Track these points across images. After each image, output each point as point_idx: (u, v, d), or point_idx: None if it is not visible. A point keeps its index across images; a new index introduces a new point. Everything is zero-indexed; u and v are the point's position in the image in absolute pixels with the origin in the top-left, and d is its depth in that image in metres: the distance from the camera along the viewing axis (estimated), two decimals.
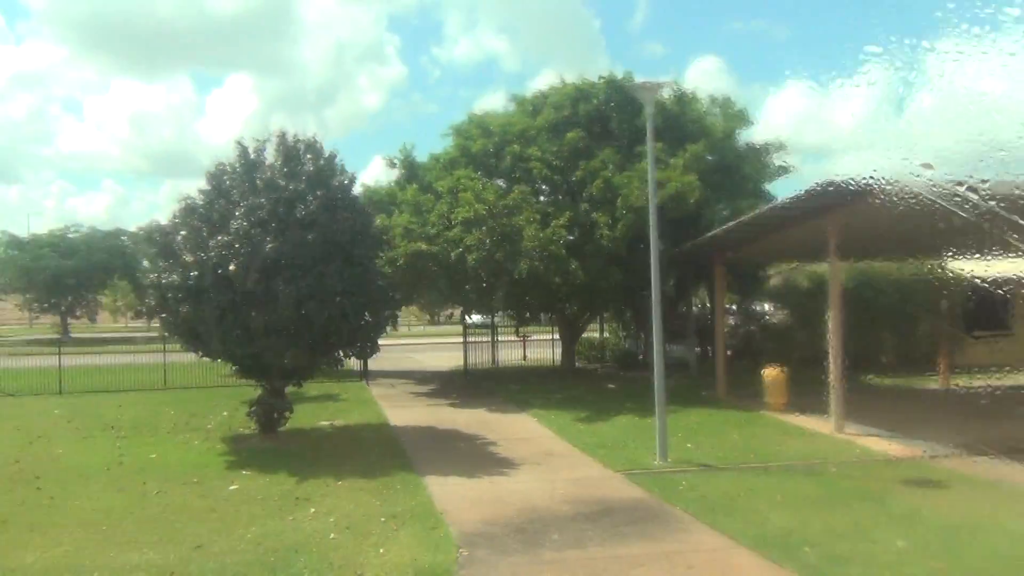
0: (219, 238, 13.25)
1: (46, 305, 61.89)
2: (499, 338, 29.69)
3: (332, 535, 9.34)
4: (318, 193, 13.83)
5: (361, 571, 8.11)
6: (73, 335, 59.06)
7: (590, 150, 21.24)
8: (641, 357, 28.50)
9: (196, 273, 13.12)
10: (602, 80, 22.56)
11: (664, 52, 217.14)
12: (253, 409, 15.12)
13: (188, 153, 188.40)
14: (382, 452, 14.19)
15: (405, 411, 18.87)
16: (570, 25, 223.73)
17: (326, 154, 14.91)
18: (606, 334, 31.94)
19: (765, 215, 16.57)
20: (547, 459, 13.66)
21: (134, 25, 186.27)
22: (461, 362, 28.71)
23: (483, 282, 20.46)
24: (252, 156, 14.58)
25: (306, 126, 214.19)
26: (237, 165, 14.50)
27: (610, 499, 10.96)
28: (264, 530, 9.56)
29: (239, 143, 14.57)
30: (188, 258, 12.95)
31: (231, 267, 12.85)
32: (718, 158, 21.52)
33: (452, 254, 19.12)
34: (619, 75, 22.21)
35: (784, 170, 23.09)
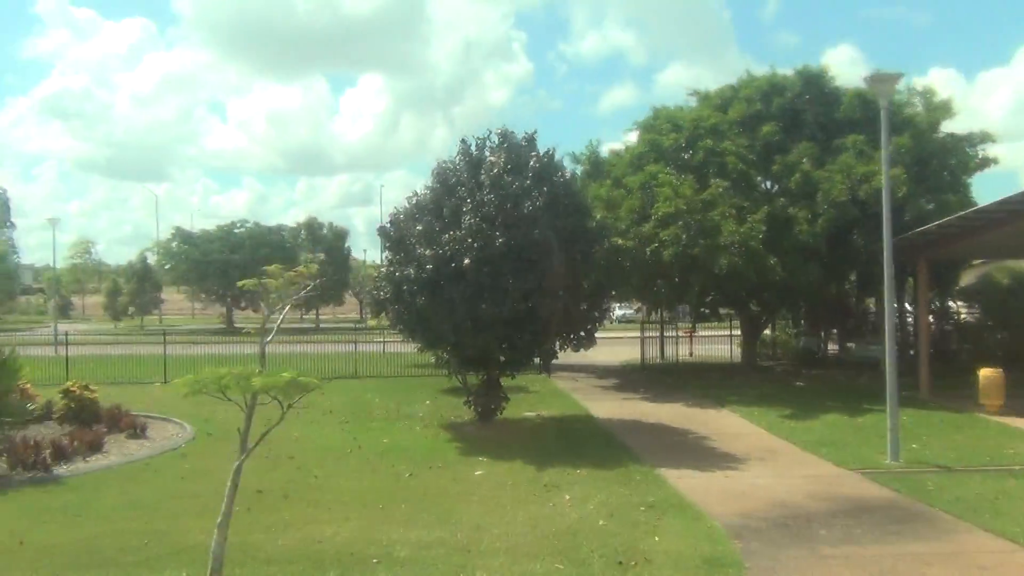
0: (452, 233, 13.78)
1: (213, 296, 65.57)
2: (666, 334, 29.65)
3: (601, 522, 9.61)
4: (544, 189, 14.19)
5: (648, 557, 8.32)
6: (236, 325, 62.52)
7: (783, 144, 20.89)
8: (818, 355, 27.90)
9: (431, 267, 13.69)
10: (795, 73, 22.15)
11: (797, 42, 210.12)
12: (470, 399, 15.68)
13: (323, 151, 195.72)
14: (601, 443, 14.46)
15: (601, 404, 19.10)
16: (700, 17, 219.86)
17: (541, 151, 15.28)
18: (775, 332, 31.35)
19: (990, 210, 15.90)
20: (771, 456, 13.59)
21: (274, 29, 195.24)
22: (626, 357, 28.87)
23: (675, 277, 20.45)
24: (475, 153, 15.09)
25: (435, 123, 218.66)
26: (461, 162, 15.04)
27: (859, 497, 10.82)
28: (531, 514, 9.93)
29: (463, 141, 15.11)
30: (426, 252, 13.51)
31: (466, 261, 13.34)
32: (918, 150, 20.73)
33: (648, 249, 19.19)
34: (813, 68, 21.81)
35: (987, 162, 22.01)
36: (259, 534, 9.05)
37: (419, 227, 14.22)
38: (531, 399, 19.80)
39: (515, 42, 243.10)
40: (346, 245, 69.03)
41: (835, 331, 29.08)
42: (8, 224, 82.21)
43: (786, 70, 22.36)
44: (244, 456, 7.20)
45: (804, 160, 20.05)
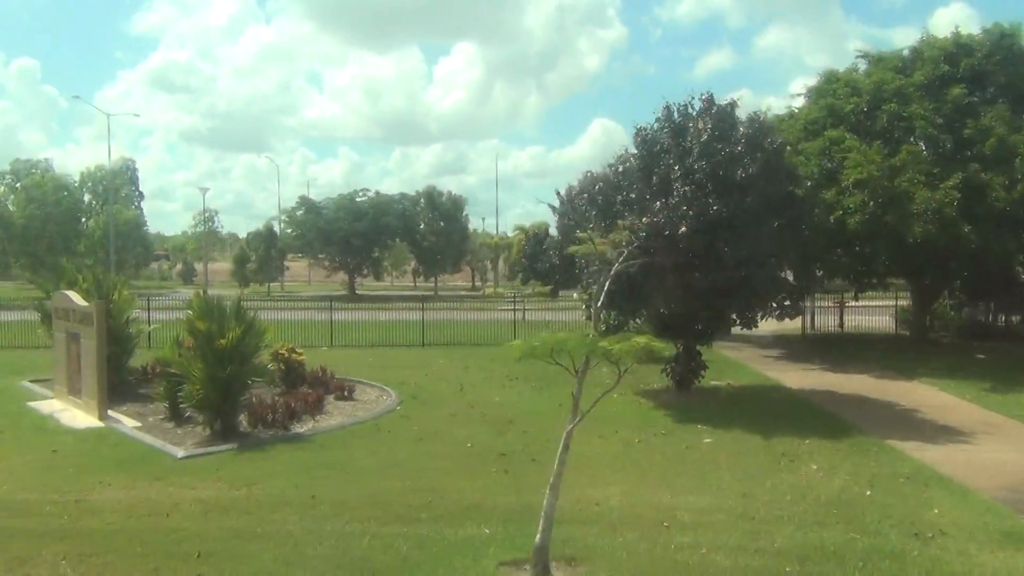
0: (665, 200, 13.72)
1: (337, 264, 67.14)
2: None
3: (867, 492, 9.51)
4: (757, 156, 13.96)
5: (942, 529, 8.19)
6: (358, 292, 64.08)
7: (973, 107, 19.96)
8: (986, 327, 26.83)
9: (644, 234, 13.66)
10: (983, 32, 21.10)
11: (904, 2, 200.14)
12: (670, 367, 15.68)
13: (417, 120, 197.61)
14: (809, 413, 14.31)
15: (785, 374, 18.88)
16: None
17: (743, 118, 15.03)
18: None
19: None
20: (994, 429, 13.18)
21: (370, 0, 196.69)
22: (771, 328, 28.35)
23: (856, 246, 19.92)
24: (677, 120, 14.95)
25: (527, 91, 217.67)
26: (664, 129, 14.93)
27: None
28: (788, 483, 9.89)
29: (666, 107, 14.98)
30: (642, 220, 13.48)
31: (682, 229, 13.27)
32: None
33: (831, 217, 18.70)
34: (1005, 27, 20.68)
35: None
36: (530, 495, 9.25)
37: (631, 194, 14.20)
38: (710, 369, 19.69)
39: (609, 7, 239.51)
40: (464, 213, 69.56)
41: (992, 303, 27.82)
42: (137, 194, 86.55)
43: (971, 30, 21.32)
44: (577, 420, 7.36)
45: (998, 124, 19.11)
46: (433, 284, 70.41)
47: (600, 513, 8.74)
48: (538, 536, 6.89)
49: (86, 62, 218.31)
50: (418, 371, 19.07)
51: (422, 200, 69.33)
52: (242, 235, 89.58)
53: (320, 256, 67.73)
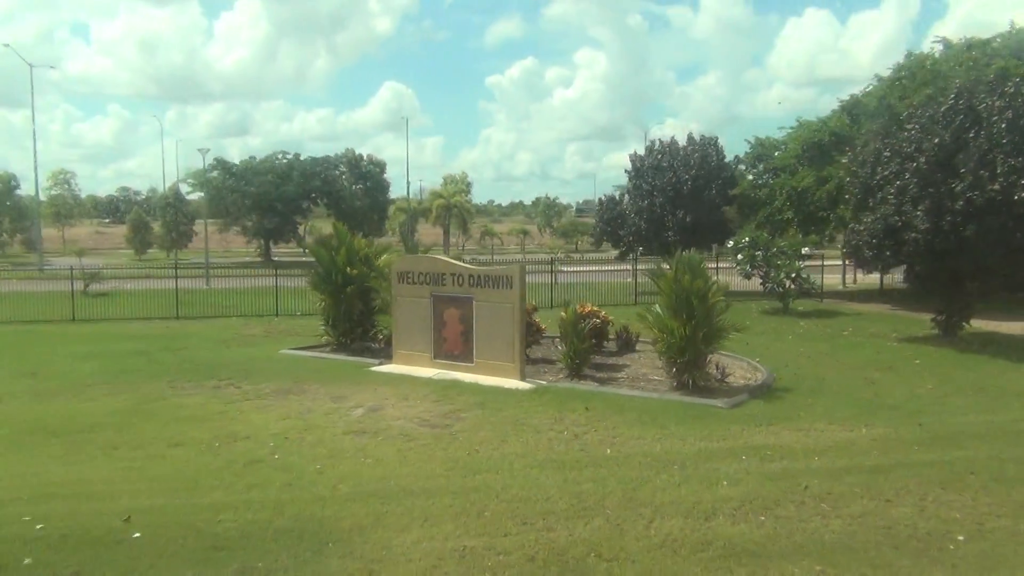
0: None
1: (258, 230, 63.92)
2: None
3: None
4: None
5: None
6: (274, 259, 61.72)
7: None
8: None
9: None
10: None
11: None
12: (936, 317, 17.64)
13: (197, 77, 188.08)
14: None
15: None
16: None
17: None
18: None
19: None
20: None
21: None
22: None
23: None
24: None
25: (316, 53, 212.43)
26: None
27: None
28: None
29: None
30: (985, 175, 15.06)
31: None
32: None
33: None
34: None
35: None
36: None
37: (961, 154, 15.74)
38: None
39: None
40: (385, 176, 68.57)
41: None
42: None
43: None
44: None
45: None
46: None
47: None
48: None
49: None
50: None
51: (340, 164, 67.78)
52: None
53: (243, 222, 64.46)
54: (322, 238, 18.45)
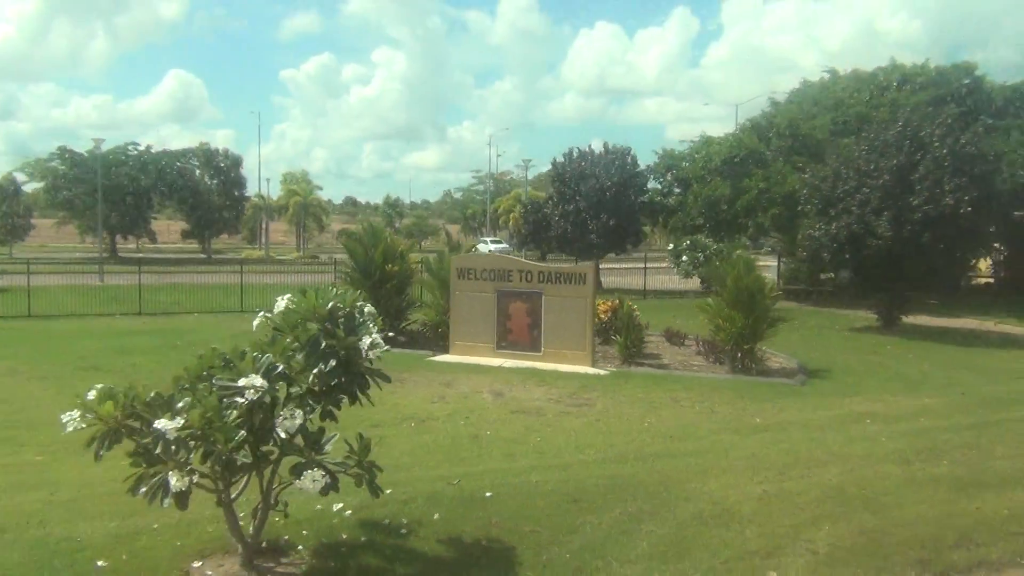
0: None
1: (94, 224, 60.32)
2: None
3: None
4: None
5: None
6: (123, 255, 58.62)
7: None
8: None
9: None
10: None
11: None
12: (880, 311, 20.70)
13: None
14: None
15: None
16: None
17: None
18: None
19: None
20: None
21: None
22: None
23: None
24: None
25: (93, 34, 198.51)
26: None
27: None
28: None
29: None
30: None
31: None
32: None
33: None
34: None
35: None
36: None
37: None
38: None
39: None
40: (242, 171, 66.60)
41: None
42: None
43: None
44: None
45: None
46: (205, 246, 66.52)
47: None
48: None
49: None
50: None
51: (194, 158, 65.26)
52: None
53: (85, 216, 60.46)
54: (355, 235, 18.92)
